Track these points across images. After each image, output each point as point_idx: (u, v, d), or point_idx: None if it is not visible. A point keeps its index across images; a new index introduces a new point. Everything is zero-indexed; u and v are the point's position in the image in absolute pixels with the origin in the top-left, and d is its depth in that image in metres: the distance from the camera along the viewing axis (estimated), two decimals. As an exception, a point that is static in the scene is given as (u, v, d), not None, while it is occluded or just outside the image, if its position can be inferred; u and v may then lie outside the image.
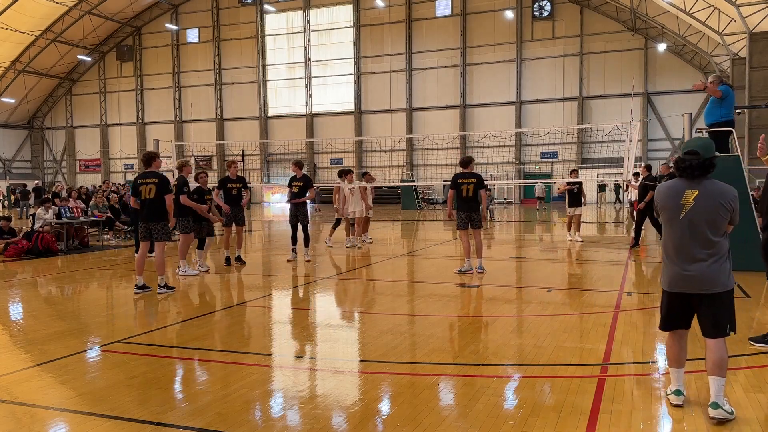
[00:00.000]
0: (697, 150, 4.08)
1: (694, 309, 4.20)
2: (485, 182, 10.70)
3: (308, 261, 12.07)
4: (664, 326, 4.34)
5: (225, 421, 4.13)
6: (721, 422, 3.97)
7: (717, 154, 4.19)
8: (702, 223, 4.05)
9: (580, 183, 15.34)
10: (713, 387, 4.04)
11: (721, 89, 10.26)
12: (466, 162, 10.61)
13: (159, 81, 51.19)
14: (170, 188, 9.15)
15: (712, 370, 4.06)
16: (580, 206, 15.18)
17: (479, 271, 10.31)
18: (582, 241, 15.16)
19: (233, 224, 11.74)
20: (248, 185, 14.06)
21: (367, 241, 15.50)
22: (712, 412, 3.99)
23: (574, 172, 15.81)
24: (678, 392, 4.27)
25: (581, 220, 15.98)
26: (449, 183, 10.68)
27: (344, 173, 14.84)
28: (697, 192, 4.07)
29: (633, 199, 17.10)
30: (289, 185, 12.23)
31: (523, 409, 4.29)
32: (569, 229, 15.42)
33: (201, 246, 11.15)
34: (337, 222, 15.08)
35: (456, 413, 4.25)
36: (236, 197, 11.79)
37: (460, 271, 10.43)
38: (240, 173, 12.19)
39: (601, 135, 37.92)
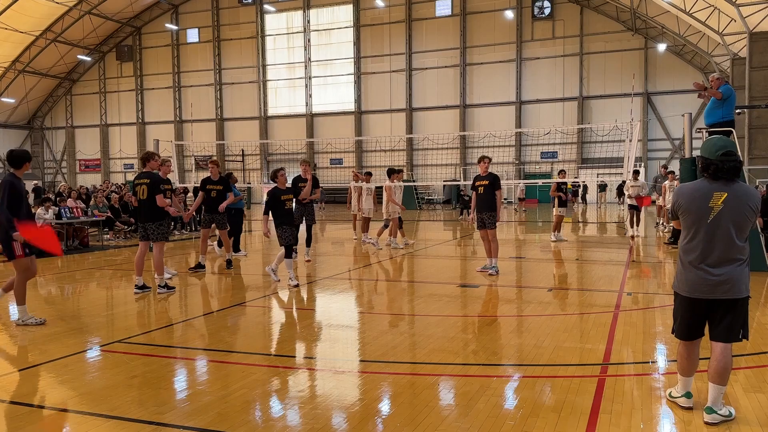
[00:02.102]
0: (734, 151, 3.93)
1: (708, 314, 4.08)
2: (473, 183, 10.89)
3: (308, 261, 12.06)
4: (683, 335, 4.17)
5: (225, 421, 4.13)
6: (717, 424, 3.98)
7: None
8: (730, 227, 3.91)
9: (566, 183, 16.02)
10: (712, 393, 4.00)
11: (722, 90, 10.25)
12: None
13: (159, 81, 51.18)
14: (161, 188, 9.07)
15: (714, 377, 3.99)
16: (566, 206, 15.85)
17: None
18: (565, 240, 15.68)
19: (212, 226, 11.38)
20: (233, 188, 13.59)
21: (368, 241, 15.55)
22: (707, 417, 3.99)
23: (562, 173, 16.39)
24: (689, 395, 4.24)
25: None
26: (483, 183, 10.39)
27: (393, 172, 14.69)
28: (726, 194, 3.92)
29: (630, 195, 16.73)
30: (295, 186, 11.84)
31: (523, 409, 4.29)
32: (554, 230, 15.68)
33: (289, 254, 9.44)
34: (400, 221, 14.69)
35: (456, 413, 4.25)
36: (215, 200, 11.23)
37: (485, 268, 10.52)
38: (221, 173, 11.68)
39: (601, 135, 37.92)
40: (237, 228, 13.41)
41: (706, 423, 3.98)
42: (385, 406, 4.44)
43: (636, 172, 16.57)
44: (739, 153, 4.05)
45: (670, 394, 4.39)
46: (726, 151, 3.93)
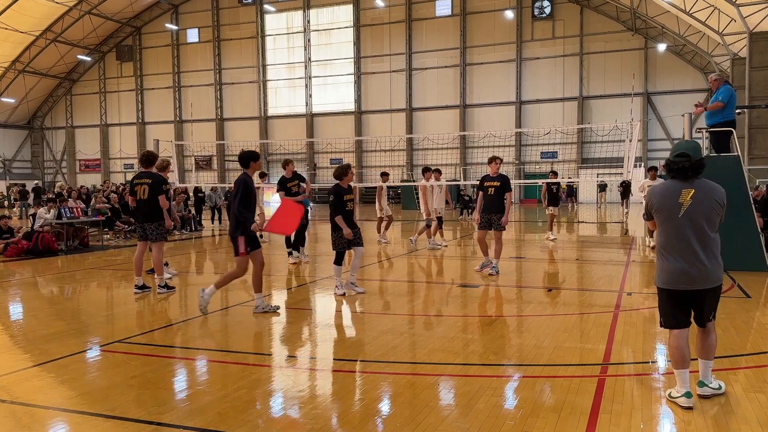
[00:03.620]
0: (687, 152, 4.31)
1: (692, 303, 4.37)
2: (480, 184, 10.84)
3: (306, 262, 11.98)
4: (668, 324, 4.44)
5: (225, 421, 4.13)
6: (709, 397, 4.36)
7: (710, 154, 4.47)
8: (701, 220, 4.26)
9: (558, 183, 16.43)
10: (701, 368, 4.40)
11: (722, 95, 10.24)
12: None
13: (159, 81, 51.19)
14: (163, 189, 9.06)
15: (701, 353, 4.41)
16: (558, 206, 16.27)
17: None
18: (555, 238, 16.05)
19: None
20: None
21: (384, 241, 15.64)
22: (699, 390, 4.37)
23: (553, 174, 16.83)
24: (689, 394, 4.27)
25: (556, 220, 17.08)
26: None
27: (427, 171, 14.44)
28: (694, 191, 4.28)
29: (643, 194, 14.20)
30: (284, 187, 11.41)
31: (523, 409, 4.29)
32: (550, 229, 15.98)
33: (339, 260, 8.65)
34: (429, 222, 14.48)
35: (456, 413, 4.25)
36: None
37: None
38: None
39: (601, 135, 37.92)
40: (300, 228, 12.25)
41: (700, 396, 4.34)
42: (385, 406, 4.44)
43: (654, 169, 14.51)
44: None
45: (669, 395, 4.41)
46: (679, 152, 4.34)
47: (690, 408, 4.22)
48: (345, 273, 8.98)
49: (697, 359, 4.50)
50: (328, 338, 6.65)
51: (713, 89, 10.70)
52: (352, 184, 8.79)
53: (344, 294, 8.62)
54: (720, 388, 4.42)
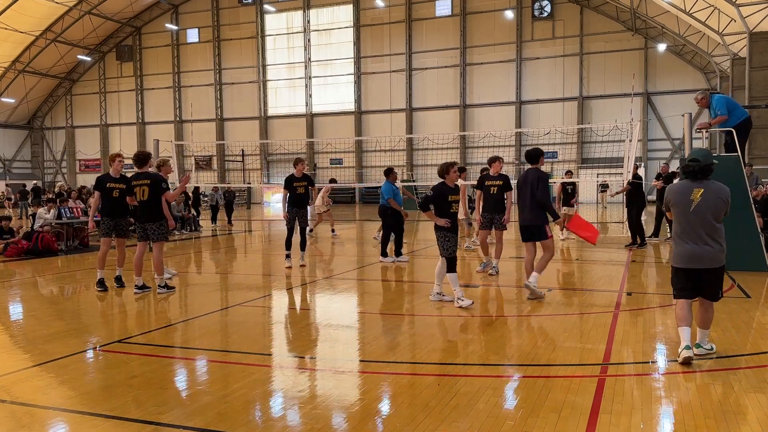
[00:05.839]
0: (698, 158, 5.26)
1: (698, 280, 5.30)
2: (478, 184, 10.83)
3: (302, 266, 11.50)
4: (678, 295, 5.41)
5: (225, 421, 4.13)
6: (703, 356, 5.27)
7: (715, 161, 5.32)
8: (708, 214, 5.20)
9: (572, 184, 16.11)
10: (699, 335, 5.41)
11: (719, 108, 10.24)
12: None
13: (159, 81, 51.15)
14: (164, 187, 9.01)
15: (700, 323, 5.41)
16: (572, 206, 16.05)
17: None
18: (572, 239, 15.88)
19: (113, 234, 9.57)
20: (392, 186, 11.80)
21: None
22: (696, 350, 5.29)
23: (569, 173, 16.77)
24: (687, 347, 5.15)
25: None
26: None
27: (463, 171, 14.10)
28: (703, 190, 5.23)
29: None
30: (290, 187, 11.16)
31: (523, 409, 4.29)
32: (562, 229, 15.80)
33: (452, 267, 7.76)
34: (470, 221, 14.26)
35: (456, 413, 4.25)
36: (118, 201, 9.38)
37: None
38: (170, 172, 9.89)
39: (601, 135, 37.90)
40: (398, 229, 12.13)
41: (696, 355, 5.20)
42: (385, 406, 4.44)
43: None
44: (712, 160, 5.23)
45: (679, 351, 5.23)
46: (692, 157, 5.31)
47: (690, 357, 5.07)
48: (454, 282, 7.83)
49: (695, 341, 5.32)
50: (328, 338, 6.65)
51: (704, 107, 10.70)
52: (459, 183, 8.54)
53: (472, 303, 7.71)
54: (712, 348, 5.40)
